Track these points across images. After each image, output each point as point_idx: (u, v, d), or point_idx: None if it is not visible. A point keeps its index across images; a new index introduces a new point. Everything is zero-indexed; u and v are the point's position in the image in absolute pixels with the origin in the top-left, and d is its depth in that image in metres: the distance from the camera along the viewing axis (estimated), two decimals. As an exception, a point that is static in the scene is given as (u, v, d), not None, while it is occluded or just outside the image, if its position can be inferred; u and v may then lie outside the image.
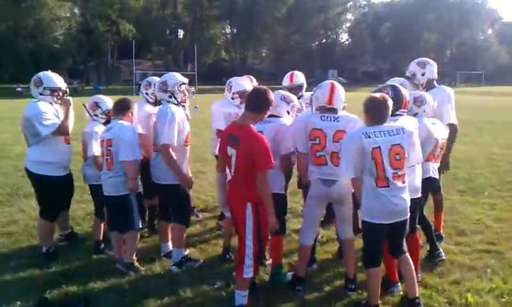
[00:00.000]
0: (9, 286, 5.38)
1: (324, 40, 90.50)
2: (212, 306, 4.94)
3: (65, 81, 6.32)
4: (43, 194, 6.12)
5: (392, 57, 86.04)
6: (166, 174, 5.59)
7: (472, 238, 6.77)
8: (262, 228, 4.51)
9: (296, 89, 6.86)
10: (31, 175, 6.07)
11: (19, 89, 49.91)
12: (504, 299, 5.00)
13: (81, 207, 7.43)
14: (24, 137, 6.09)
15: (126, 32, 71.40)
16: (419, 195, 5.07)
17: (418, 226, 5.45)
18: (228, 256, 6.02)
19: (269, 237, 5.19)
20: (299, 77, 7.10)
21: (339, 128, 4.94)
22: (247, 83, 7.01)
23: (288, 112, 5.46)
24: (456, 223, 7.40)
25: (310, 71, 65.98)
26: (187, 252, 6.04)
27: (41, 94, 5.93)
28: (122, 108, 5.82)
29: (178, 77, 5.88)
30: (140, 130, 6.15)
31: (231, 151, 4.54)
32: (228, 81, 7.06)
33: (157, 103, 6.51)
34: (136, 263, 5.80)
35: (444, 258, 5.93)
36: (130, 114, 5.86)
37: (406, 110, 5.08)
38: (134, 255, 5.82)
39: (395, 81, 6.02)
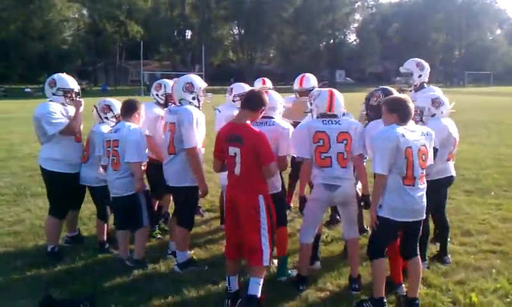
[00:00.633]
0: (14, 284, 5.40)
1: (332, 41, 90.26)
2: (216, 305, 4.94)
3: (74, 82, 6.39)
4: (53, 191, 6.21)
5: (400, 58, 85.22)
6: (185, 176, 5.55)
7: (478, 238, 6.75)
8: (273, 218, 4.72)
9: (306, 93, 6.86)
10: (42, 171, 6.19)
11: (28, 89, 50.25)
12: (508, 299, 4.98)
13: (87, 207, 7.45)
14: (37, 136, 6.16)
15: (134, 33, 71.71)
16: None
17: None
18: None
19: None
20: (311, 81, 7.10)
21: (342, 130, 4.98)
22: (248, 86, 7.02)
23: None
24: (462, 223, 7.37)
25: (317, 72, 65.93)
26: (192, 252, 6.06)
27: (54, 94, 6.07)
28: (129, 109, 5.87)
29: (201, 80, 5.89)
30: (146, 132, 6.18)
31: (234, 150, 4.64)
32: (230, 86, 7.09)
33: (166, 104, 6.50)
34: (145, 259, 5.88)
35: (450, 263, 5.90)
36: (137, 115, 5.91)
37: None
38: (143, 253, 5.89)
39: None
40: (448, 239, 6.17)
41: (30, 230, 7.14)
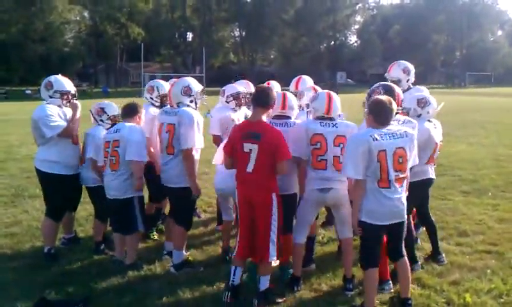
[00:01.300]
0: (10, 286, 5.41)
1: (333, 42, 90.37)
2: (211, 306, 4.94)
3: (75, 84, 6.44)
4: (49, 193, 6.23)
5: (401, 59, 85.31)
6: (182, 177, 5.57)
7: (474, 238, 6.75)
8: (281, 217, 4.91)
9: (301, 96, 6.88)
10: (38, 173, 6.20)
11: (28, 91, 50.32)
12: (502, 300, 4.98)
13: (84, 208, 7.47)
14: (34, 138, 6.18)
15: (135, 35, 71.86)
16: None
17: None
18: (227, 257, 6.03)
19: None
20: (307, 83, 7.10)
21: (339, 133, 5.00)
22: (240, 85, 7.02)
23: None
24: (458, 224, 7.37)
25: (318, 74, 66.15)
26: (188, 253, 6.07)
27: (51, 97, 6.08)
28: (130, 112, 5.92)
29: (198, 83, 5.91)
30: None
31: (250, 146, 4.79)
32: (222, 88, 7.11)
33: (162, 106, 6.51)
34: (138, 261, 5.88)
35: (445, 262, 5.91)
36: (138, 118, 5.95)
37: (400, 108, 5.14)
38: (135, 256, 5.90)
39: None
40: (439, 239, 6.17)
41: (27, 232, 7.15)
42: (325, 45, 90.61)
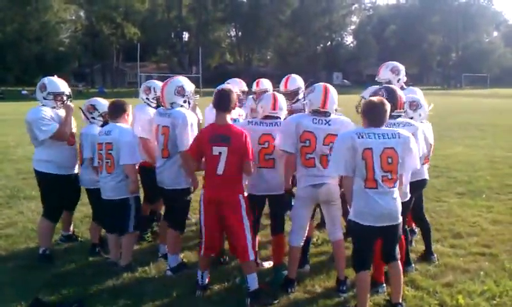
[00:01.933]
0: (4, 287, 5.40)
1: (329, 43, 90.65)
2: (204, 307, 4.96)
3: (70, 84, 6.44)
4: (46, 193, 6.25)
5: (397, 60, 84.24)
6: (180, 178, 5.57)
7: (468, 240, 6.78)
8: (251, 215, 5.13)
9: (291, 95, 6.88)
10: (35, 173, 6.24)
11: (24, 91, 50.18)
12: (495, 301, 5.00)
13: (80, 209, 7.45)
14: (30, 139, 6.19)
15: (131, 35, 71.72)
16: (407, 199, 5.08)
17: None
18: (221, 259, 6.05)
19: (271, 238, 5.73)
20: (297, 82, 7.09)
21: (330, 132, 4.98)
22: (233, 86, 7.01)
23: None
24: (453, 226, 7.40)
25: (314, 74, 66.06)
26: (182, 255, 6.07)
27: (45, 98, 6.09)
28: (118, 111, 5.87)
29: (191, 83, 5.91)
30: (141, 134, 6.20)
31: (220, 149, 4.90)
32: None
33: (158, 107, 6.49)
34: (133, 263, 5.88)
35: (436, 261, 5.97)
36: (126, 116, 5.92)
37: (403, 111, 5.15)
38: (130, 258, 5.90)
39: (371, 89, 5.95)
40: (434, 241, 6.21)
41: (22, 233, 7.14)
42: (321, 45, 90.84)
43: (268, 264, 5.84)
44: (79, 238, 6.93)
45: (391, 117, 4.79)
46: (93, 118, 6.28)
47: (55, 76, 6.34)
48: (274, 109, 5.46)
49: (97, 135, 5.86)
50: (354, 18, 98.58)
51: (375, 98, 4.64)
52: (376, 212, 4.45)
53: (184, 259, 6.00)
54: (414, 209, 5.87)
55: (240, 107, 7.12)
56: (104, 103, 6.33)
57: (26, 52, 62.46)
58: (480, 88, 73.68)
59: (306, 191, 5.15)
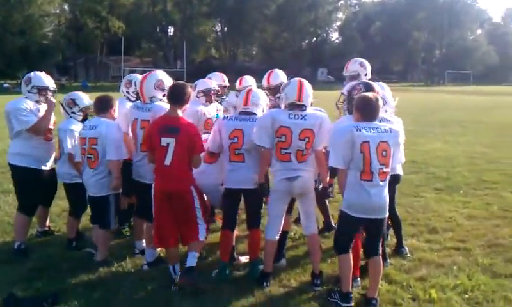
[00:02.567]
0: (-21, 282, 5.37)
1: (314, 39, 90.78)
2: (180, 301, 4.96)
3: (54, 78, 6.38)
4: (20, 187, 6.21)
5: (382, 57, 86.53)
6: (151, 173, 5.55)
7: (443, 235, 6.87)
8: (204, 202, 5.35)
9: (274, 90, 6.89)
10: (9, 167, 6.19)
11: (6, 85, 49.65)
12: (467, 296, 5.08)
13: (57, 204, 7.41)
14: (8, 131, 6.15)
15: (116, 28, 71.17)
16: None
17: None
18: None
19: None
20: (279, 77, 7.11)
21: (306, 127, 5.04)
22: (211, 81, 7.02)
23: (262, 110, 5.55)
24: (429, 221, 7.49)
25: (299, 70, 66.24)
26: (159, 250, 6.07)
27: (29, 92, 6.06)
28: (104, 105, 5.86)
29: (169, 77, 5.92)
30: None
31: (168, 140, 5.02)
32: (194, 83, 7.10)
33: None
34: (109, 258, 5.89)
35: (408, 255, 6.07)
36: (112, 112, 5.91)
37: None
38: (106, 252, 5.92)
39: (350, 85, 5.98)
40: (410, 236, 6.29)
41: (-2, 227, 7.09)
42: (306, 41, 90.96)
43: (245, 259, 5.87)
44: (56, 233, 6.91)
45: None
46: (73, 112, 6.25)
47: (43, 72, 6.30)
48: (245, 104, 5.49)
49: (80, 131, 5.82)
50: (340, 15, 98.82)
51: (370, 94, 4.78)
52: (367, 204, 4.60)
53: (161, 254, 6.00)
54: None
55: (219, 102, 7.15)
56: (84, 98, 6.30)
57: (9, 46, 61.55)
58: (463, 85, 74.21)
59: (281, 184, 5.18)
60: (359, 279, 5.26)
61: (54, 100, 6.16)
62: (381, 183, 4.61)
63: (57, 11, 73.41)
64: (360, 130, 4.54)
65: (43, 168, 6.17)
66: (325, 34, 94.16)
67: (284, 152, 5.08)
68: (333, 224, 6.78)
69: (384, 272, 5.46)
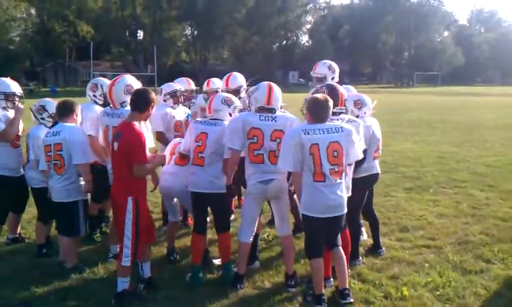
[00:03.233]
0: None
1: (285, 42, 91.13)
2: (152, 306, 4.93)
3: (21, 83, 6.29)
4: None
5: (352, 59, 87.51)
6: None
7: (414, 234, 6.97)
8: (140, 222, 4.87)
9: (233, 93, 6.88)
10: None
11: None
12: (438, 292, 5.16)
13: (27, 210, 7.28)
14: None
15: (84, 33, 70.35)
16: (349, 193, 5.16)
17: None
18: (172, 258, 6.06)
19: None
20: (238, 79, 7.10)
21: (277, 128, 5.07)
22: (177, 84, 6.99)
23: (230, 115, 5.50)
24: (400, 219, 7.60)
25: (270, 73, 66.46)
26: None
27: None
28: (67, 111, 5.75)
29: (138, 81, 5.88)
30: (89, 132, 6.10)
31: (115, 145, 4.89)
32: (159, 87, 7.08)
33: (105, 104, 6.40)
34: (79, 264, 5.80)
35: (383, 254, 6.13)
36: (74, 116, 5.81)
37: (343, 108, 5.32)
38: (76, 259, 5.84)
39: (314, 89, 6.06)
40: (381, 235, 6.37)
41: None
42: (277, 44, 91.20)
43: (218, 261, 5.86)
44: (26, 240, 6.80)
45: (333, 113, 4.99)
46: (43, 118, 6.17)
47: (8, 78, 6.23)
48: (209, 111, 5.55)
49: (43, 138, 5.70)
50: (309, 18, 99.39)
51: (319, 95, 4.84)
52: (323, 204, 4.66)
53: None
54: (365, 203, 6.01)
55: (187, 106, 7.18)
56: (53, 104, 6.21)
57: (-25, 51, 60.62)
58: (431, 86, 75.42)
59: (255, 188, 5.19)
60: (331, 279, 5.29)
61: (21, 106, 6.07)
62: (336, 181, 4.68)
63: (24, 15, 72.32)
64: (308, 133, 4.63)
65: (12, 175, 6.09)
66: (295, 38, 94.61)
67: (257, 153, 5.09)
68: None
69: (356, 271, 5.58)
